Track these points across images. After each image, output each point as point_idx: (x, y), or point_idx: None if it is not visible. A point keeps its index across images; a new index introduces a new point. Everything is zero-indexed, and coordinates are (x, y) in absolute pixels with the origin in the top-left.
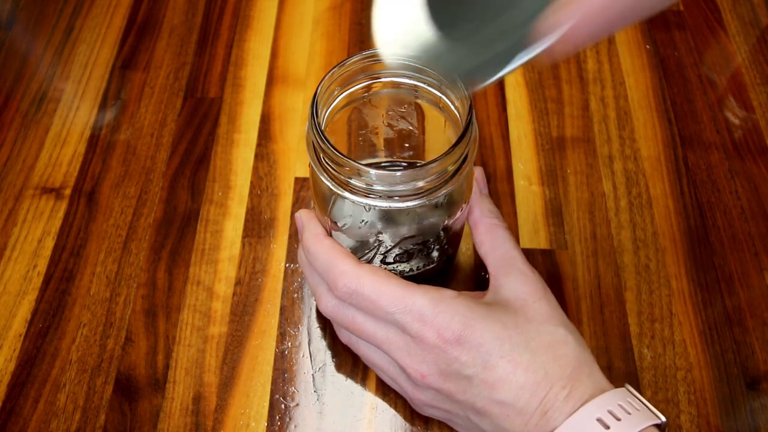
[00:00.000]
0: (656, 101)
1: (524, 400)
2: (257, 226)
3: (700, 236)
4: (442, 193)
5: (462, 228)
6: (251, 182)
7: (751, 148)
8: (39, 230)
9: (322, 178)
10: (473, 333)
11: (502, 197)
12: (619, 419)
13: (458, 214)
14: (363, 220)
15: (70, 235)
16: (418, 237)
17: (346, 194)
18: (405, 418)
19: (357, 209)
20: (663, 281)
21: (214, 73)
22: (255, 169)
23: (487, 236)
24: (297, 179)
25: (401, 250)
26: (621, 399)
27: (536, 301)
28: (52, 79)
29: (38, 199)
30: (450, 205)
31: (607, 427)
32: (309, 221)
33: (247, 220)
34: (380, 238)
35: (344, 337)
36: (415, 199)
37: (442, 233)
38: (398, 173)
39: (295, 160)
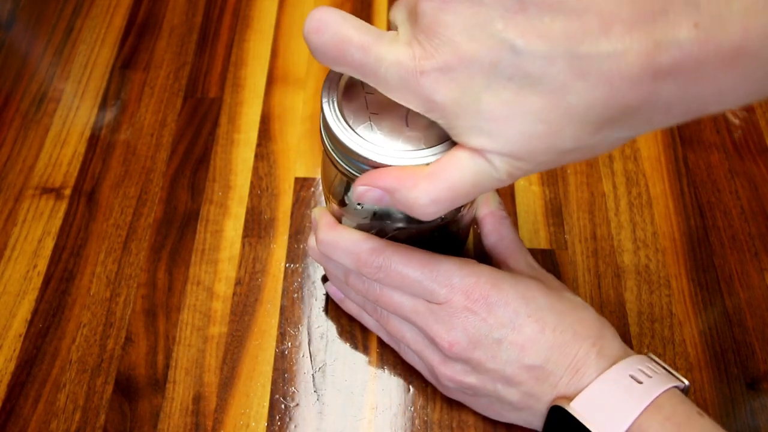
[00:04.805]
0: None
1: (554, 361)
2: (257, 226)
3: (700, 236)
4: None
5: (471, 222)
6: (251, 182)
7: (751, 148)
8: (39, 230)
9: (334, 166)
10: (500, 292)
11: (503, 197)
12: (650, 376)
13: (468, 206)
14: (374, 211)
15: (70, 235)
16: (428, 229)
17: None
18: (405, 418)
19: None
20: (663, 281)
21: (214, 73)
22: (255, 169)
23: (494, 228)
24: (297, 179)
25: (411, 243)
26: (648, 361)
27: (549, 278)
28: (52, 79)
29: (38, 199)
30: None
31: (640, 383)
32: (321, 214)
33: (247, 220)
34: (391, 230)
35: (370, 320)
36: None
37: (452, 226)
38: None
39: (295, 160)
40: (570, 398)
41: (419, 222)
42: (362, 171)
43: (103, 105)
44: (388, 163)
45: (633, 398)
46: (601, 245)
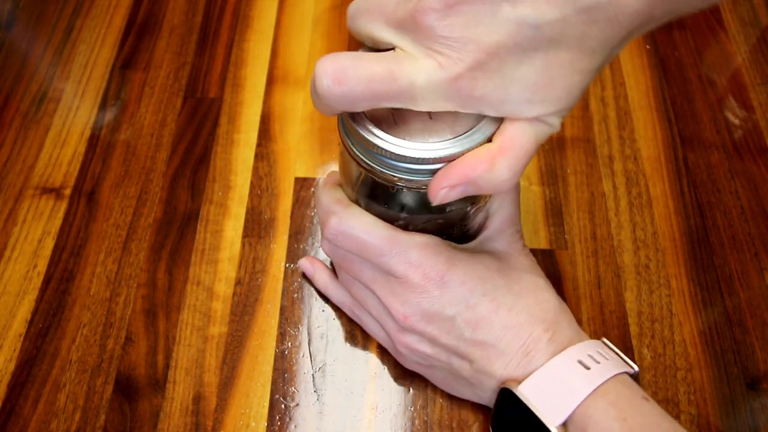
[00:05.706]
0: (656, 101)
1: (506, 341)
2: (257, 226)
3: (700, 236)
4: None
5: (484, 219)
6: (251, 182)
7: (751, 148)
8: (39, 230)
9: (351, 156)
10: (456, 272)
11: None
12: (598, 362)
13: (482, 202)
14: (387, 202)
15: (70, 235)
16: (442, 221)
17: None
18: (405, 418)
19: (383, 188)
20: (663, 281)
21: (214, 73)
22: (255, 169)
23: (503, 194)
24: (297, 179)
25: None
26: (600, 347)
27: (519, 256)
28: (52, 79)
29: (38, 199)
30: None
31: (588, 368)
32: (328, 176)
33: (247, 220)
34: (404, 219)
35: (342, 277)
36: None
37: (465, 220)
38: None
39: (295, 160)
40: (519, 381)
41: (433, 209)
42: (410, 172)
43: (103, 105)
44: (444, 156)
45: (579, 384)
46: (601, 245)
